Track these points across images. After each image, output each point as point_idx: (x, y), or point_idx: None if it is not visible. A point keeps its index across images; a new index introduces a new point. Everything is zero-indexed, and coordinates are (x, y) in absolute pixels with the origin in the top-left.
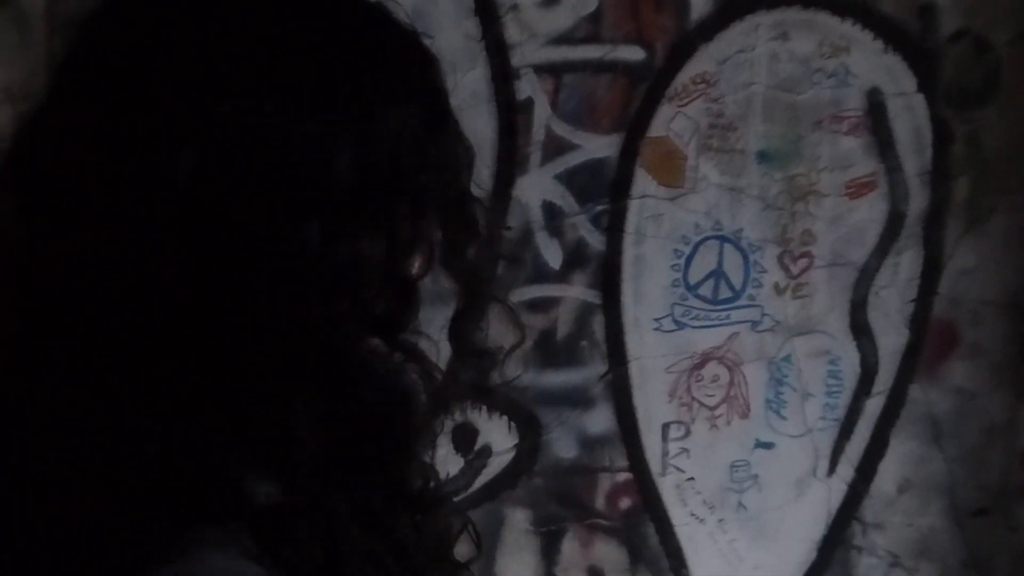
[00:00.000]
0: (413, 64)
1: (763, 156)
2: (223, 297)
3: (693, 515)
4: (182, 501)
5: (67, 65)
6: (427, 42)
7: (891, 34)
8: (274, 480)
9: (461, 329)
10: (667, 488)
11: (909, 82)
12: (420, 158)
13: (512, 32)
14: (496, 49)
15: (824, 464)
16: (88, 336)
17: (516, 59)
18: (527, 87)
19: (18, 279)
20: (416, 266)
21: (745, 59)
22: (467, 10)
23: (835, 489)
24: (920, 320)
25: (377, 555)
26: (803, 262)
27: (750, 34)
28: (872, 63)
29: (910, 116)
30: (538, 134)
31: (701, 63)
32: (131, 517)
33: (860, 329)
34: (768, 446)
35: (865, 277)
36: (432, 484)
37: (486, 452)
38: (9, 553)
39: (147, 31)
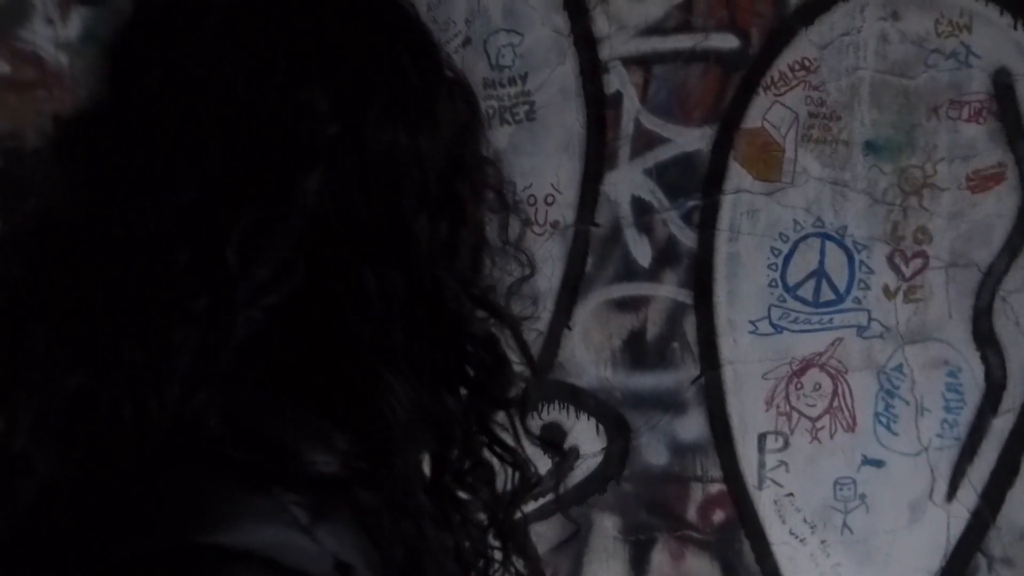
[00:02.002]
0: (457, 82)
1: (870, 147)
2: (334, 284)
3: (793, 534)
4: (238, 471)
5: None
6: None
7: (1020, 7)
8: (336, 453)
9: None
10: (764, 503)
11: None
12: (467, 147)
13: (600, 25)
14: (585, 43)
15: (943, 487)
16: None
17: (605, 52)
18: (616, 80)
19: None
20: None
21: (850, 42)
22: (556, 4)
23: (956, 516)
24: None
25: (437, 538)
26: (917, 263)
27: (856, 15)
28: (998, 41)
29: None
30: (627, 128)
31: (800, 49)
32: (186, 483)
33: (985, 339)
34: (877, 463)
35: (990, 280)
36: (526, 476)
37: (574, 454)
38: (64, 515)
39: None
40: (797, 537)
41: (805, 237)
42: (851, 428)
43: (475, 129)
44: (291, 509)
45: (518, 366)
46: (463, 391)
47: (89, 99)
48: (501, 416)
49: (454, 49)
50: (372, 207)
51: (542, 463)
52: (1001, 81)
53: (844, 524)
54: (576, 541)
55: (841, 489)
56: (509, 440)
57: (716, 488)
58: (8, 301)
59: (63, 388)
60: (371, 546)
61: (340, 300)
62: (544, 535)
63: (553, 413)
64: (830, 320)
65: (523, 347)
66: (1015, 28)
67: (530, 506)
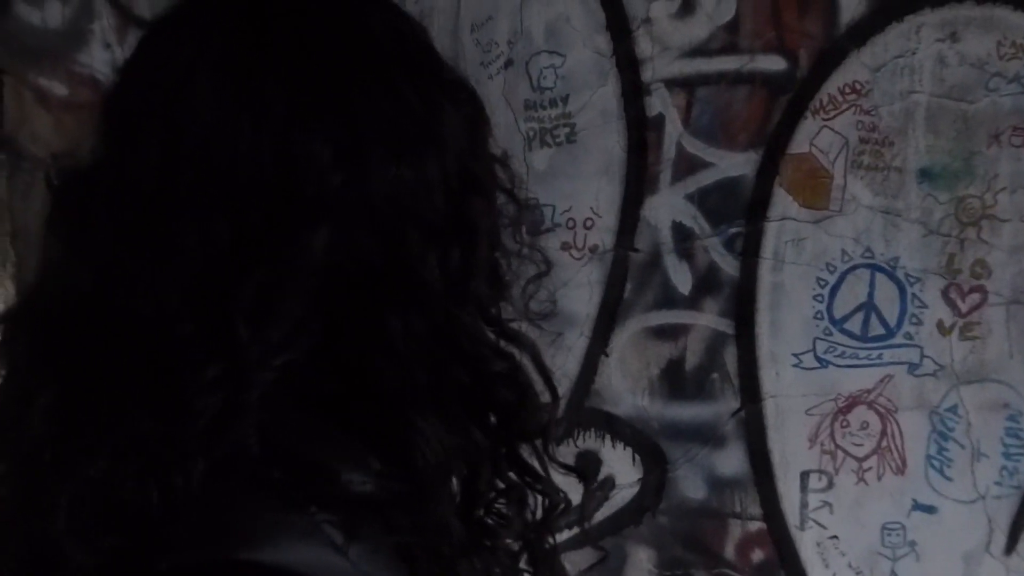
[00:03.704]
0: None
1: (925, 174)
2: (357, 332)
3: None
4: (275, 490)
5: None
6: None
7: None
8: (371, 474)
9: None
10: (806, 544)
11: None
12: (476, 154)
13: (643, 46)
14: (627, 64)
15: (1001, 539)
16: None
17: (647, 74)
18: (658, 102)
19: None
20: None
21: (905, 65)
22: (598, 25)
23: (1015, 571)
24: None
25: (467, 563)
26: (975, 298)
27: (911, 36)
28: None
29: None
30: (669, 151)
31: (851, 71)
32: (225, 501)
33: None
34: (929, 510)
35: None
36: (554, 503)
37: (609, 484)
38: (104, 529)
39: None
40: None
41: (854, 268)
42: (900, 471)
43: (482, 129)
44: (326, 528)
45: (543, 393)
46: (492, 419)
47: (89, 157)
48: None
49: (496, 71)
50: (382, 252)
51: (575, 491)
52: None
53: (892, 572)
54: (609, 573)
55: (889, 535)
56: (537, 467)
57: (756, 526)
58: (16, 376)
59: (89, 476)
60: (403, 568)
61: (364, 347)
62: (579, 563)
63: (589, 441)
64: (879, 356)
65: (544, 372)
66: None
67: (564, 534)
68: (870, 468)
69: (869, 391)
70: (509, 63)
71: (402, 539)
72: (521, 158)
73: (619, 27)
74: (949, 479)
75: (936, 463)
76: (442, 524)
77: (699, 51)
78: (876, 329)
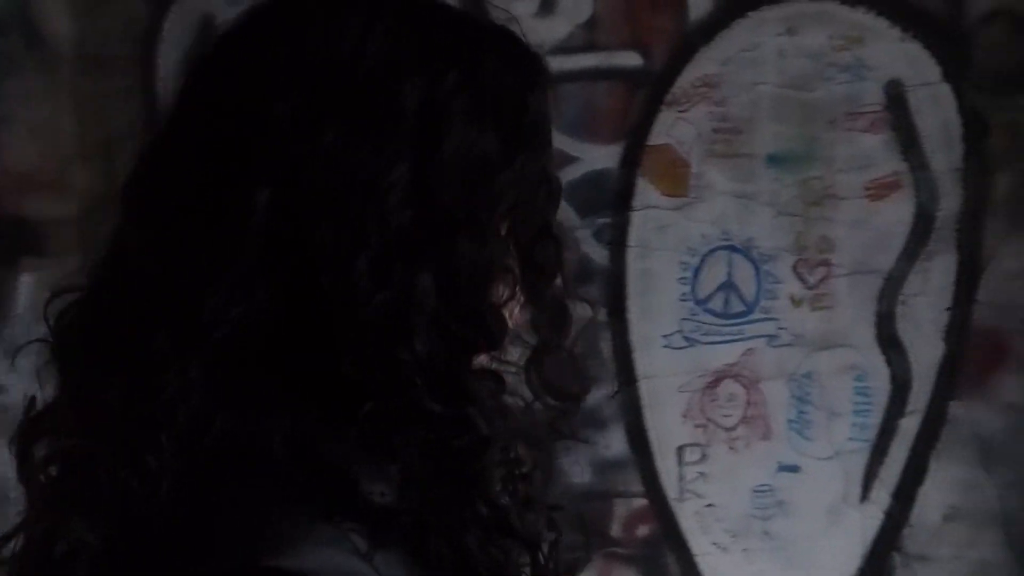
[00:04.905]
0: (504, 87)
1: (774, 159)
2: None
3: (715, 544)
4: (301, 497)
5: (177, 104)
6: None
7: (910, 20)
8: (388, 483)
9: (540, 366)
10: (686, 515)
11: (933, 71)
12: (491, 185)
13: None
14: None
15: (856, 490)
16: (211, 341)
17: None
18: None
19: (135, 286)
20: (495, 294)
21: (750, 58)
22: None
23: (870, 517)
24: (958, 330)
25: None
26: (821, 271)
27: (755, 31)
28: (890, 53)
29: (936, 108)
30: None
31: (702, 65)
32: (250, 505)
33: (889, 342)
34: (793, 469)
35: (892, 285)
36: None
37: None
38: (132, 538)
39: (235, 76)
40: (720, 547)
41: (713, 250)
42: (767, 436)
43: (522, 168)
44: (351, 536)
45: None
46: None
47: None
48: None
49: None
50: (317, 234)
51: None
52: (893, 92)
53: (765, 531)
54: None
55: (760, 497)
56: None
57: (639, 503)
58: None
59: (84, 463)
60: None
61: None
62: None
63: None
64: (741, 331)
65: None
66: (904, 40)
67: None
68: (739, 437)
69: (733, 365)
70: None
71: (422, 552)
72: None
73: None
74: (809, 439)
75: (796, 426)
76: (461, 533)
77: (560, 49)
78: (736, 307)
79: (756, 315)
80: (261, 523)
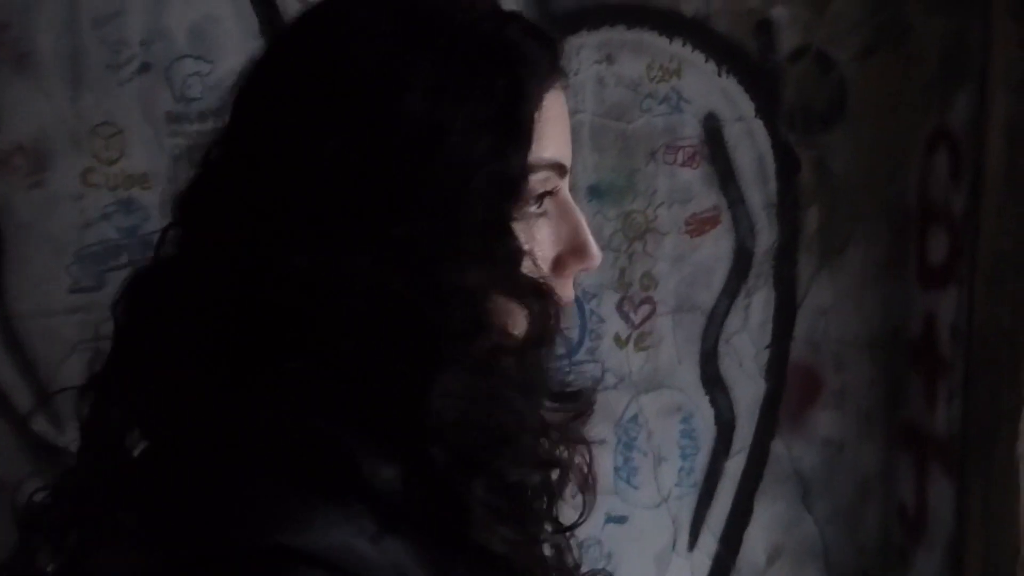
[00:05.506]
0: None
1: (594, 192)
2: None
3: None
4: (310, 480)
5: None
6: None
7: (724, 54)
8: (396, 466)
9: (523, 358)
10: None
11: (747, 106)
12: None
13: None
14: None
15: (684, 537)
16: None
17: None
18: None
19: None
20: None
21: (570, 84)
22: (252, 31)
23: (698, 564)
24: (777, 367)
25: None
26: (645, 309)
27: (573, 57)
28: (706, 86)
29: (751, 143)
30: None
31: None
32: (263, 484)
33: (712, 381)
34: (620, 520)
35: (714, 323)
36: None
37: None
38: (143, 516)
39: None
40: None
41: None
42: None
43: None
44: (360, 519)
45: None
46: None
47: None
48: None
49: (128, 76)
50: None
51: None
52: (710, 126)
53: None
54: None
55: (588, 551)
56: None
57: None
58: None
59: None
60: (434, 565)
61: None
62: None
63: None
64: (566, 374)
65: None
66: (720, 74)
67: None
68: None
69: None
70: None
71: (431, 537)
72: (167, 178)
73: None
74: (636, 487)
75: (624, 473)
76: (456, 520)
77: None
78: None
79: (581, 356)
80: (270, 501)
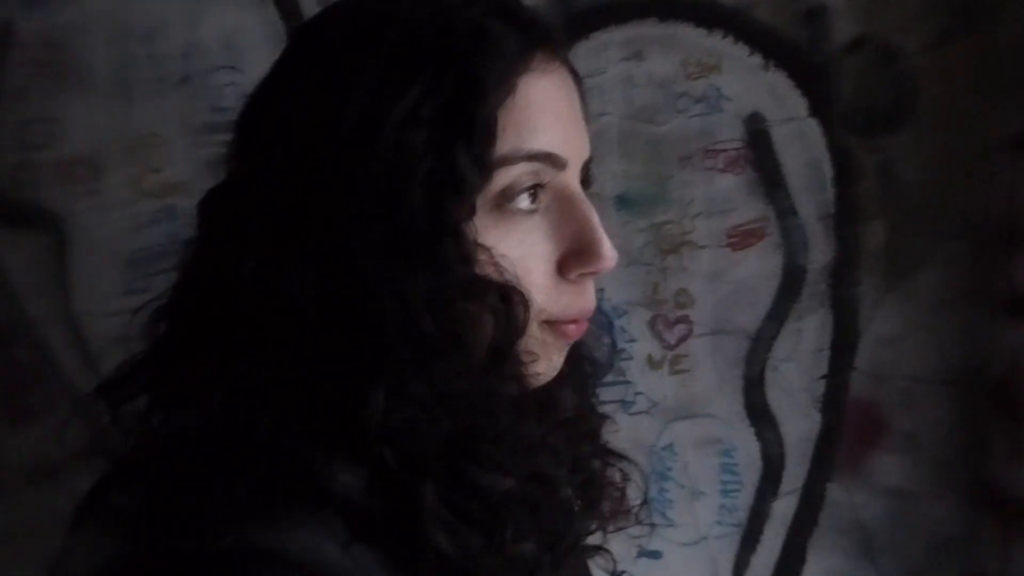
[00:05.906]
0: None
1: (623, 201)
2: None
3: None
4: (287, 479)
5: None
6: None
7: (771, 46)
8: (357, 471)
9: (495, 366)
10: None
11: (798, 104)
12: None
13: None
14: None
15: None
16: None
17: None
18: None
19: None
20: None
21: (595, 85)
22: (278, 38)
23: None
24: (834, 401)
25: (462, 553)
26: (681, 329)
27: (599, 55)
28: (749, 83)
29: (803, 146)
30: None
31: None
32: (236, 485)
33: (758, 413)
34: (654, 555)
35: (759, 347)
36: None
37: None
38: (118, 509)
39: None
40: None
41: None
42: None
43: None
44: (331, 523)
45: None
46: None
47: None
48: None
49: (170, 87)
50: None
51: None
52: (755, 127)
53: None
54: None
55: None
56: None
57: None
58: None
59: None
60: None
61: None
62: None
63: None
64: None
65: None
66: (766, 69)
67: None
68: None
69: None
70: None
71: (402, 547)
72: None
73: None
74: (671, 521)
75: (658, 506)
76: (422, 525)
77: None
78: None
79: (609, 377)
80: (242, 502)
